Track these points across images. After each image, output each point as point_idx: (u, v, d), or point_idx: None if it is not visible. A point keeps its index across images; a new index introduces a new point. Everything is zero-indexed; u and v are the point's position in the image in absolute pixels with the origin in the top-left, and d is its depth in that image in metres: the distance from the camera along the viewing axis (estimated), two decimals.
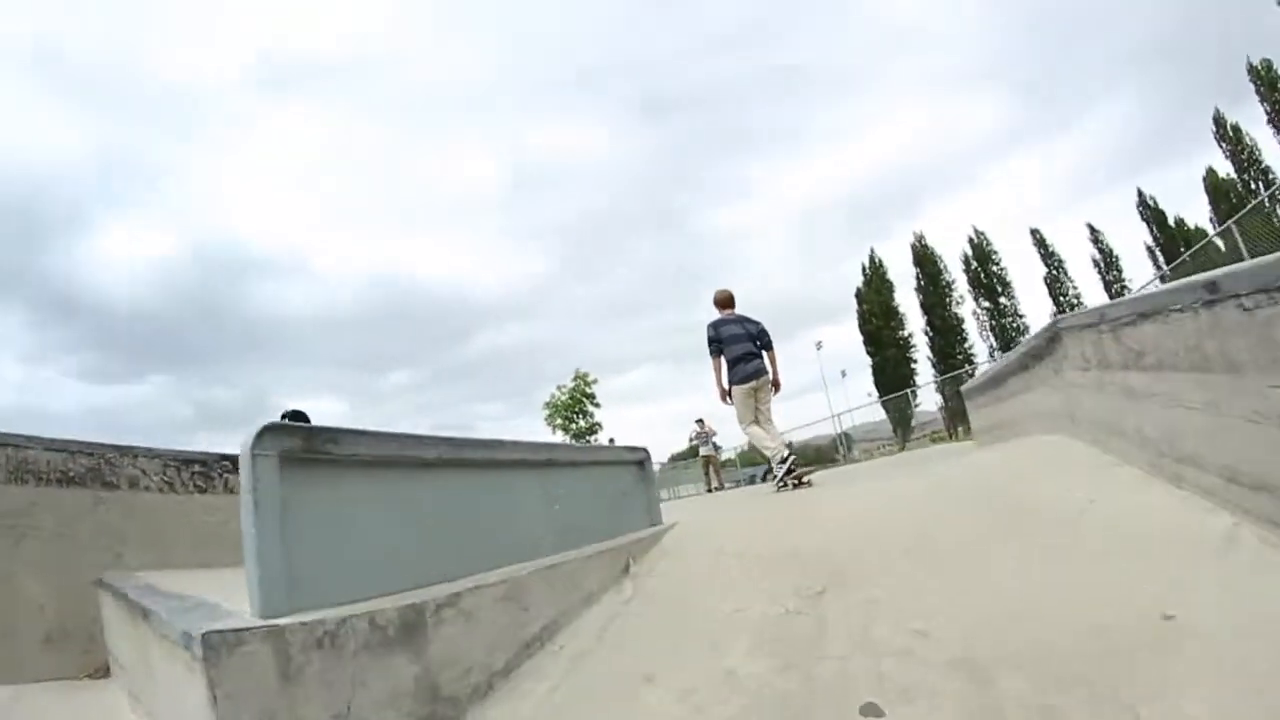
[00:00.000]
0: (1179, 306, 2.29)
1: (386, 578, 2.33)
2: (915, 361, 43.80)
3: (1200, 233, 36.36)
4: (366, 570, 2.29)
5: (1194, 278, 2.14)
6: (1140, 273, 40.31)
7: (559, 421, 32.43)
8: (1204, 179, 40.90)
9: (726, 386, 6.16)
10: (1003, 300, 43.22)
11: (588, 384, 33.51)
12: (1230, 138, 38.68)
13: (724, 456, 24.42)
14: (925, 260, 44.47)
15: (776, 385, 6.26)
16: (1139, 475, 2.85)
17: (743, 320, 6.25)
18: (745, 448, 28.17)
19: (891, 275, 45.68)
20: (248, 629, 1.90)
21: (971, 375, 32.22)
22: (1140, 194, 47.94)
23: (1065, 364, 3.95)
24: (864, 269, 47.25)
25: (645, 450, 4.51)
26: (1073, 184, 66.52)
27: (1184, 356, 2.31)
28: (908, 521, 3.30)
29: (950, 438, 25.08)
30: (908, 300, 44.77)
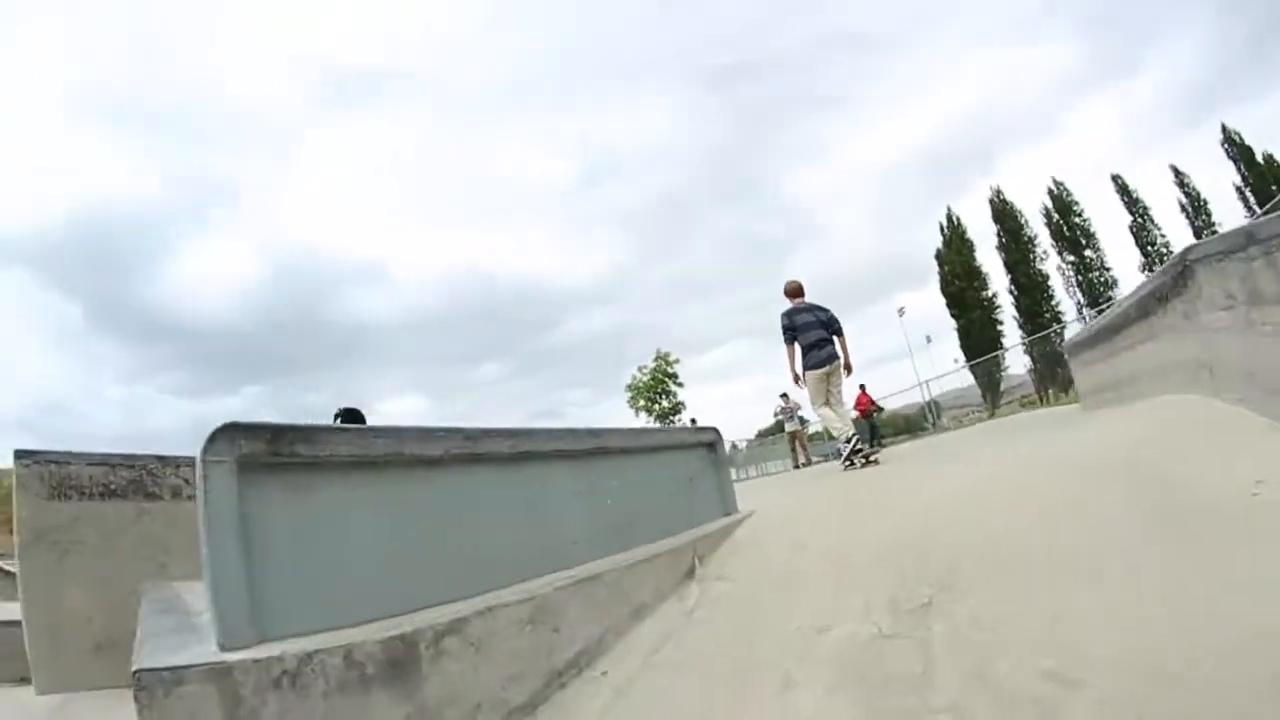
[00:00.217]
0: None
1: (376, 600, 1.91)
2: (1001, 323, 39.80)
3: None
4: (352, 592, 1.89)
5: None
6: (1230, 216, 34.89)
7: (641, 403, 30.39)
8: None
9: (801, 372, 6.20)
10: (1088, 253, 38.90)
11: (669, 364, 31.13)
12: None
13: (810, 430, 22.88)
14: (1005, 216, 40.91)
15: (848, 369, 6.25)
16: None
17: (813, 309, 6.26)
18: None
19: (971, 234, 41.44)
20: (189, 667, 1.54)
21: (1060, 334, 28.91)
22: (1224, 130, 41.46)
23: (1200, 304, 3.05)
24: (942, 229, 43.10)
25: (715, 430, 3.86)
26: (1151, 125, 59.20)
27: None
28: (1024, 511, 2.50)
29: (1041, 402, 22.50)
30: (989, 259, 40.81)
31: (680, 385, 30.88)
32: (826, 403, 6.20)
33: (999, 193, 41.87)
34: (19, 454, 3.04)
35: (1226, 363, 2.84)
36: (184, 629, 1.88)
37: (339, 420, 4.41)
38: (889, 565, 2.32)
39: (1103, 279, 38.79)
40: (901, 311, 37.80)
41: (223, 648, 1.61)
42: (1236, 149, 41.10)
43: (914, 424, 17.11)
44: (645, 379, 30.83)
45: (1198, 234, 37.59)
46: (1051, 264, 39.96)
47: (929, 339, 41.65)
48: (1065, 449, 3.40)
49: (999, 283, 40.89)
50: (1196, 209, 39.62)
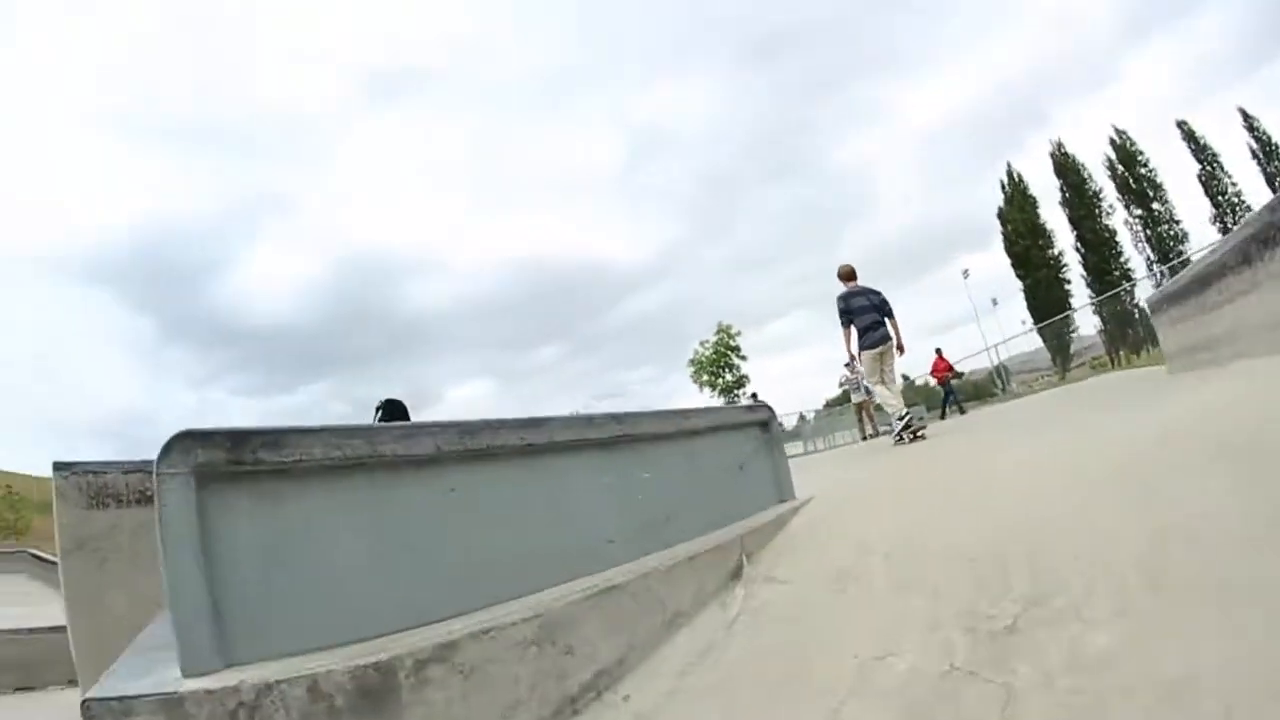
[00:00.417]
0: None
1: (359, 620, 1.68)
2: (1069, 282, 37.39)
3: None
4: (331, 612, 1.67)
5: None
6: None
7: (705, 378, 28.70)
8: None
9: (856, 352, 6.42)
10: (1156, 206, 35.66)
11: (731, 336, 29.10)
12: None
13: (877, 400, 21.23)
14: (1067, 170, 38.05)
15: (900, 349, 6.40)
16: None
17: (866, 292, 6.38)
18: (902, 389, 24.63)
19: (1033, 191, 38.85)
20: (138, 697, 1.37)
21: (1131, 292, 26.22)
22: None
23: None
24: (1003, 186, 40.41)
25: (768, 408, 3.43)
26: (1216, 66, 52.72)
27: None
28: (1124, 503, 1.96)
29: (1112, 364, 20.49)
30: (1054, 216, 38.21)
31: (743, 358, 29.17)
32: (881, 380, 6.40)
33: (1059, 146, 38.89)
34: (57, 465, 3.02)
35: None
36: (165, 648, 1.66)
37: (379, 413, 3.99)
38: (962, 571, 1.90)
39: (1172, 232, 35.44)
40: (966, 274, 35.40)
41: (185, 674, 1.43)
42: None
43: (982, 390, 15.76)
44: (708, 353, 29.09)
45: (1270, 181, 33.85)
46: (1118, 218, 37.29)
47: (995, 301, 38.95)
48: (1167, 422, 2.74)
49: (1064, 240, 38.13)
50: (1269, 154, 35.61)
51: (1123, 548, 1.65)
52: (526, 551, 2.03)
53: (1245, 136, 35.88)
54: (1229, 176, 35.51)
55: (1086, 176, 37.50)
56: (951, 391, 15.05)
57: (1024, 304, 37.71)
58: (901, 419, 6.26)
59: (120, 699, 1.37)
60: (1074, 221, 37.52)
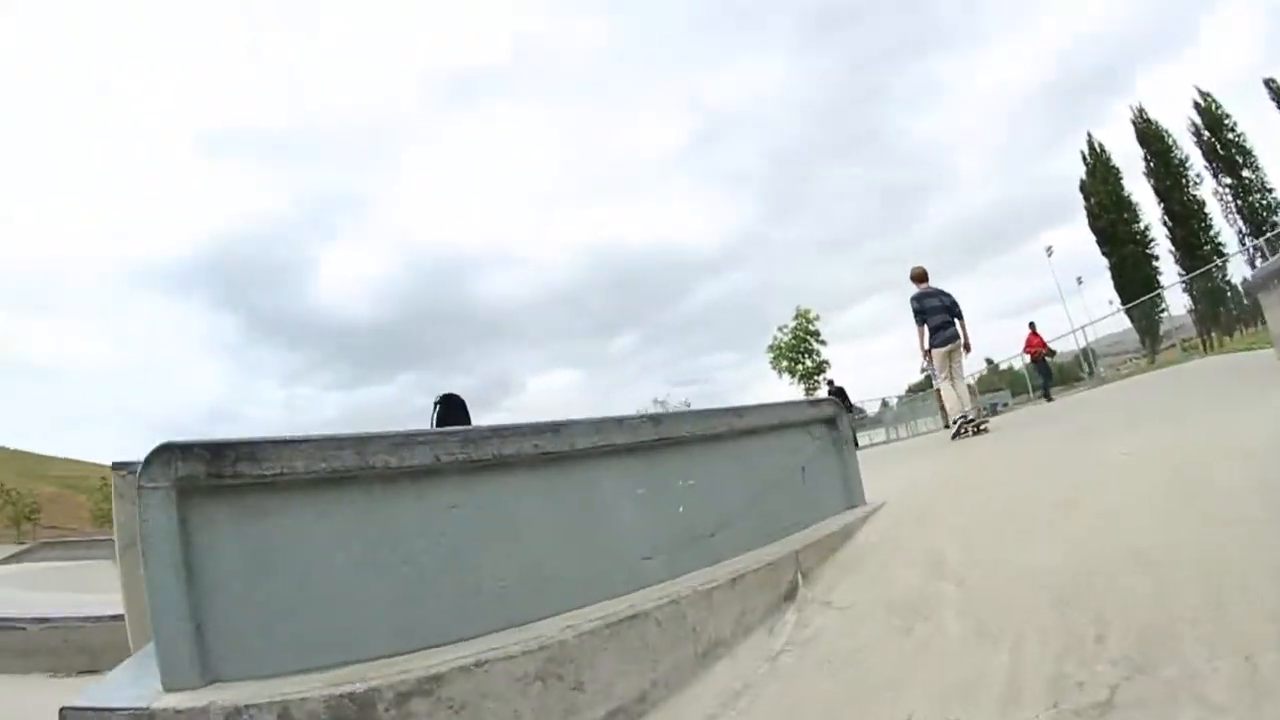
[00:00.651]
0: None
1: (346, 643, 1.55)
2: (1156, 259, 35.18)
3: None
4: (317, 632, 1.53)
5: None
6: None
7: (784, 364, 27.50)
8: None
9: (928, 348, 6.67)
10: (1246, 174, 32.00)
11: (810, 321, 27.71)
12: None
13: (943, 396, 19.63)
14: (1151, 138, 35.42)
15: (968, 347, 6.79)
16: None
17: (938, 293, 6.74)
18: (984, 372, 23.03)
19: (1116, 161, 36.44)
20: (111, 710, 1.32)
21: (1223, 268, 23.21)
22: None
23: None
24: (1084, 157, 37.76)
25: (834, 402, 3.03)
26: None
27: None
28: (1258, 533, 1.54)
29: (1203, 347, 18.22)
30: (1138, 188, 35.72)
31: (823, 343, 27.85)
32: (949, 377, 6.65)
33: (1141, 113, 36.40)
34: (115, 465, 3.05)
35: None
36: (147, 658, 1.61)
37: (436, 409, 3.70)
38: (1050, 614, 1.55)
39: (1265, 201, 31.59)
40: (1050, 251, 32.83)
41: (166, 689, 1.37)
42: None
43: (1068, 374, 14.32)
44: (786, 339, 27.83)
45: None
46: (1206, 188, 33.93)
47: (1080, 280, 35.56)
48: None
49: (1151, 213, 35.57)
50: None
51: (1261, 599, 1.25)
52: (542, 573, 1.84)
53: None
54: None
55: (1171, 144, 34.81)
56: (1048, 371, 13.66)
57: (1110, 282, 35.60)
58: (962, 416, 6.51)
59: (96, 710, 1.34)
60: (1160, 193, 34.85)
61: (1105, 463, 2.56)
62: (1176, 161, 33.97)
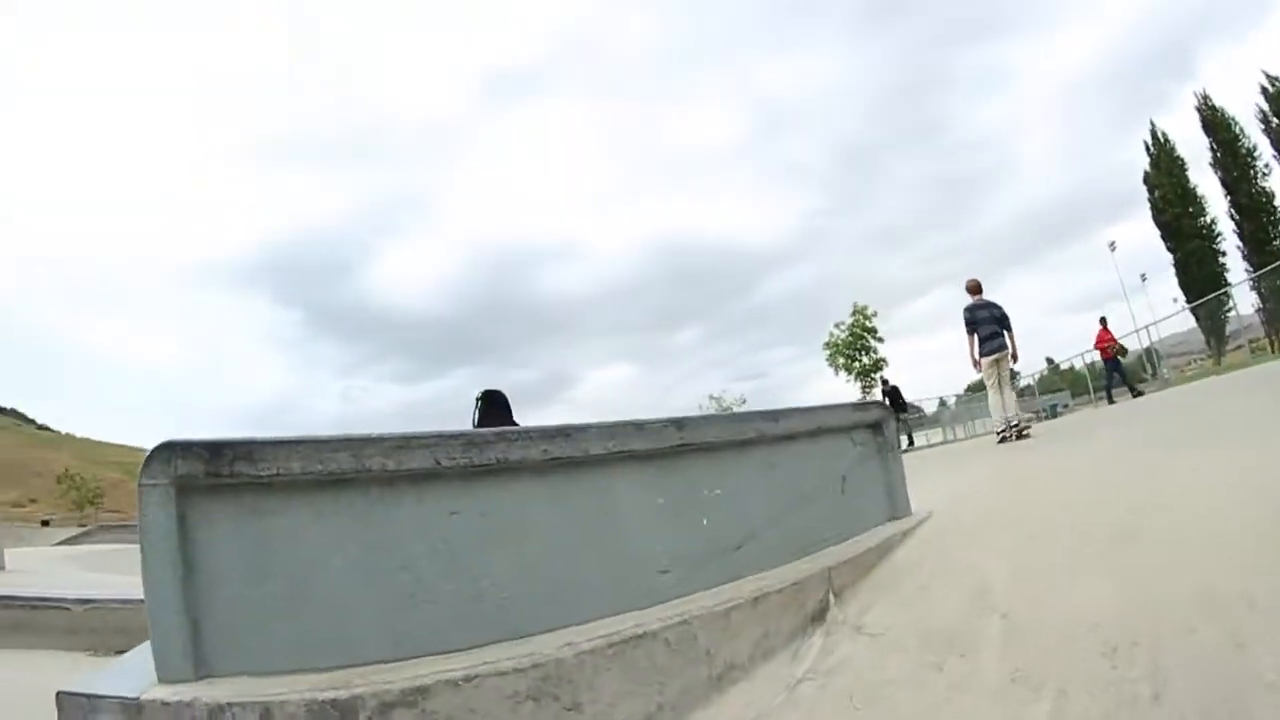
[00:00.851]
0: None
1: (336, 645, 1.56)
2: (1224, 254, 33.20)
3: None
4: (311, 633, 1.55)
5: None
6: None
7: (840, 361, 27.35)
8: None
9: (978, 357, 7.30)
10: None
11: (867, 318, 27.38)
12: None
13: (1022, 384, 18.90)
14: (1216, 126, 33.59)
15: (1014, 357, 7.44)
16: None
17: (989, 305, 7.38)
18: (1044, 372, 22.25)
19: (1181, 151, 34.63)
20: (103, 697, 1.38)
21: None
22: None
23: None
24: (1148, 148, 36.20)
25: (881, 406, 2.88)
26: None
27: None
28: None
29: (1271, 348, 17.02)
30: (1205, 179, 33.82)
31: (880, 340, 27.61)
32: (997, 384, 7.26)
33: (1206, 99, 34.89)
34: None
35: None
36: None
37: (479, 404, 3.72)
38: (1102, 662, 1.40)
39: None
40: (1113, 246, 31.64)
41: (160, 680, 1.43)
42: None
43: (1131, 375, 13.39)
44: (843, 335, 27.64)
45: None
46: (1277, 179, 30.92)
47: (1144, 277, 33.53)
48: None
49: (1218, 206, 33.67)
50: None
51: None
52: (549, 584, 1.81)
53: None
54: None
55: (1239, 132, 33.06)
56: (1119, 369, 12.81)
57: (1174, 279, 34.28)
58: (1004, 422, 7.12)
59: (88, 696, 1.40)
60: (1227, 185, 33.13)
61: (1171, 482, 2.33)
62: (1244, 151, 32.24)
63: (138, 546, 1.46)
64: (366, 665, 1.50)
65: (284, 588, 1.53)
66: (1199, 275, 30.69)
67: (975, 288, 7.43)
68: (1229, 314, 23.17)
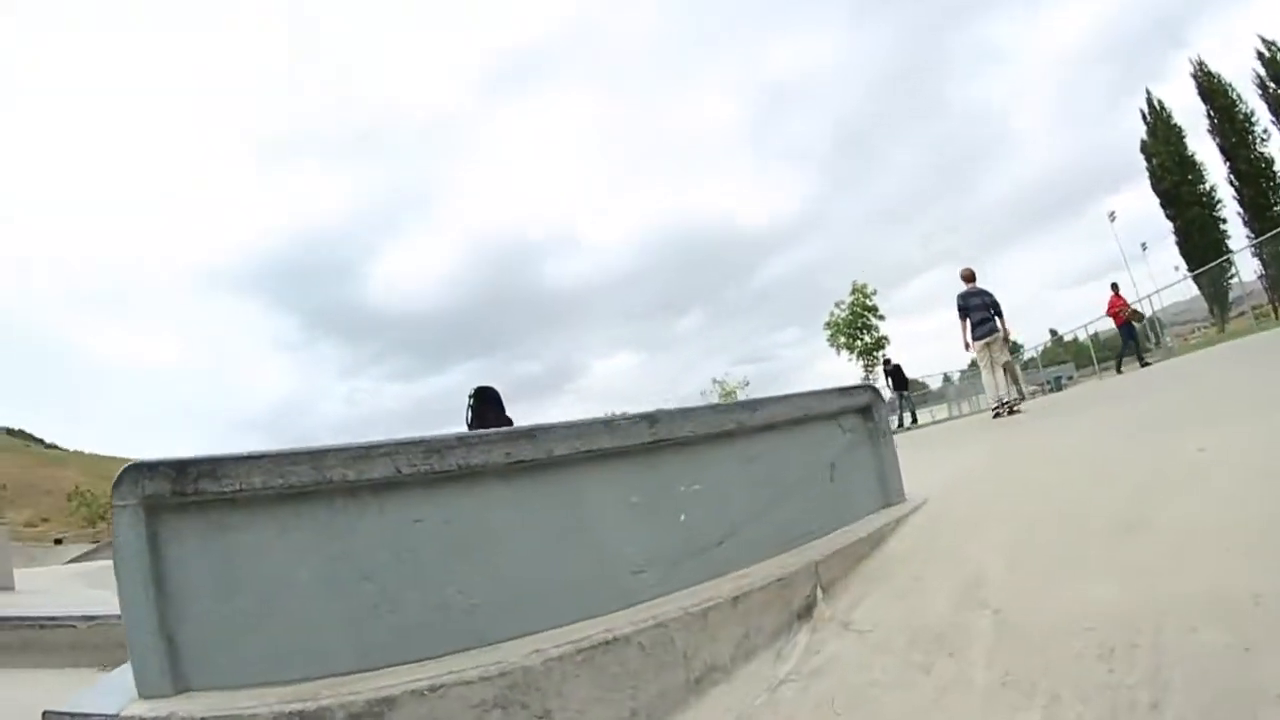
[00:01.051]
0: None
1: (307, 658, 1.61)
2: (1224, 221, 34.26)
3: None
4: (280, 646, 1.60)
5: None
6: None
7: (841, 340, 28.46)
8: None
9: (970, 340, 8.02)
10: None
11: (867, 296, 28.46)
12: None
13: (1025, 357, 18.88)
14: (1214, 93, 34.35)
15: (1007, 339, 8.09)
16: None
17: (981, 293, 8.05)
18: (1048, 345, 22.58)
19: (1178, 119, 35.83)
20: (85, 715, 1.46)
21: None
22: None
23: None
24: (1144, 116, 37.38)
25: (870, 390, 2.84)
26: None
27: None
28: None
29: (1275, 314, 17.00)
30: (1203, 147, 34.93)
31: (881, 318, 28.88)
32: (990, 366, 7.98)
33: (1201, 65, 36.22)
34: None
35: None
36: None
37: (471, 401, 3.75)
38: (1098, 666, 1.36)
39: None
40: (1113, 216, 32.07)
41: (140, 696, 1.51)
42: None
43: (1130, 349, 13.27)
44: (844, 315, 28.74)
45: None
46: (1276, 145, 32.42)
47: (1144, 246, 33.83)
48: None
49: (1217, 173, 34.66)
50: None
51: None
52: (517, 589, 1.90)
53: None
54: None
55: (1235, 98, 33.80)
56: (1133, 336, 12.67)
57: (1175, 247, 35.47)
58: (997, 400, 7.94)
59: (72, 715, 1.48)
60: (1225, 151, 33.79)
61: (1177, 464, 2.26)
62: (1241, 117, 33.07)
63: None
64: (335, 676, 1.55)
65: (252, 602, 1.60)
66: (1200, 243, 31.67)
67: (969, 276, 8.11)
68: (1231, 281, 23.58)
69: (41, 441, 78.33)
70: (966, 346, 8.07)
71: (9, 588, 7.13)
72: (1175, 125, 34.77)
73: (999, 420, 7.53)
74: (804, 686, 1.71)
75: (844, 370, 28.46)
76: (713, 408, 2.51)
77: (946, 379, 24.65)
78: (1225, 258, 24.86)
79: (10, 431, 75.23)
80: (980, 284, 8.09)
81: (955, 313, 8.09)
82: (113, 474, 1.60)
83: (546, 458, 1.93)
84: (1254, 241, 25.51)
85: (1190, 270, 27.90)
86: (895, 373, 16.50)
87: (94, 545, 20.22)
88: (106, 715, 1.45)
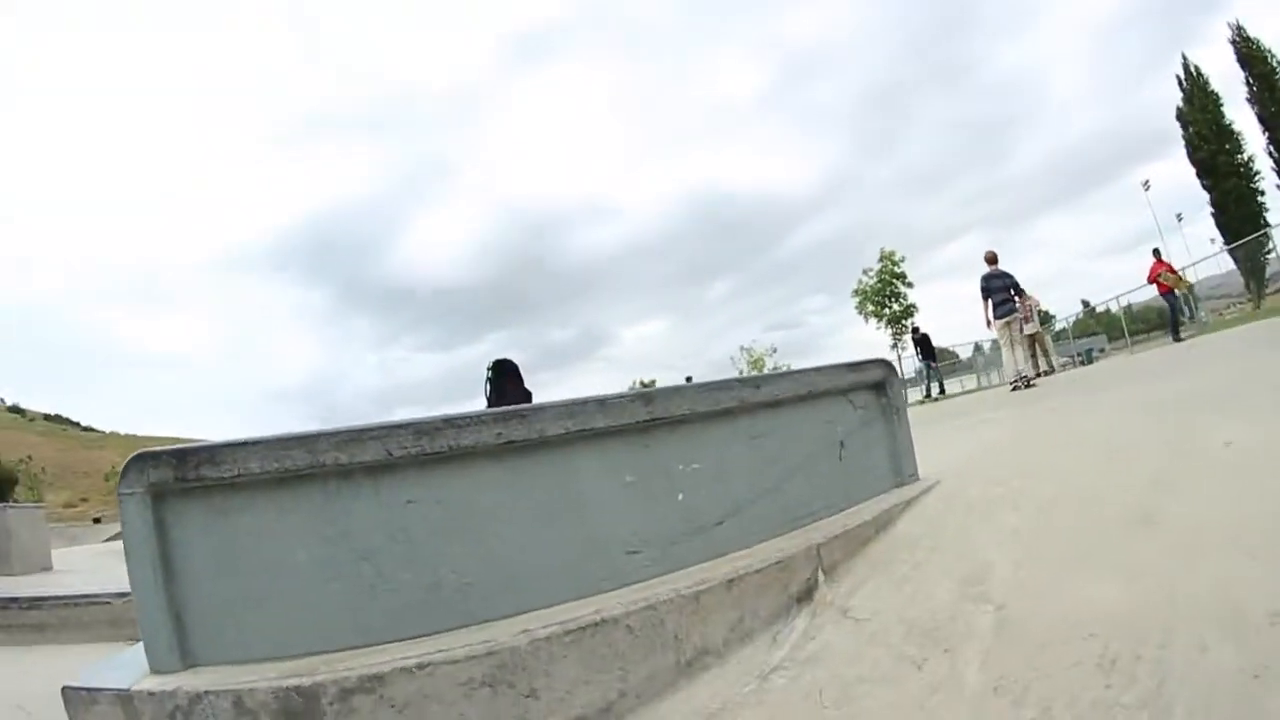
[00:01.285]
0: None
1: (303, 635, 1.70)
2: (1263, 193, 32.82)
3: None
4: (280, 624, 1.71)
5: None
6: None
7: (870, 308, 28.69)
8: None
9: (992, 319, 9.00)
10: None
11: (895, 263, 28.61)
12: None
13: (1056, 327, 18.59)
14: (1252, 59, 32.80)
15: (1028, 318, 9.62)
16: None
17: (1002, 275, 8.93)
18: (1080, 316, 22.24)
19: (1215, 85, 34.25)
20: (100, 690, 1.58)
21: None
22: None
23: None
24: (1180, 83, 35.77)
25: (884, 364, 2.76)
26: None
27: None
28: None
29: None
30: (1242, 115, 33.54)
31: (909, 286, 29.09)
32: (1009, 344, 8.91)
33: (1240, 30, 35.24)
34: None
35: None
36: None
37: (489, 374, 3.81)
38: (1096, 676, 1.33)
39: None
40: (1147, 186, 30.28)
41: (151, 671, 1.64)
42: None
43: (1168, 318, 12.82)
44: (872, 282, 28.87)
45: None
46: None
47: (1180, 218, 32.40)
48: None
49: (1256, 143, 33.30)
50: None
51: None
52: (509, 569, 1.98)
53: None
54: None
55: (1275, 65, 32.66)
56: (1175, 307, 12.36)
57: (1211, 219, 34.27)
58: (1017, 375, 8.80)
59: (89, 689, 1.60)
60: (1264, 120, 32.57)
61: (1199, 456, 2.19)
62: None
63: None
64: (332, 653, 1.68)
65: (253, 581, 1.73)
66: (1237, 215, 30.84)
67: (992, 258, 9.06)
68: (1269, 255, 23.14)
69: (79, 425, 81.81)
70: (988, 324, 9.14)
71: (48, 567, 7.53)
72: (1212, 92, 33.49)
73: (1022, 394, 7.81)
74: (794, 676, 1.73)
75: (873, 338, 29.19)
76: (712, 384, 2.46)
77: (977, 348, 24.38)
78: (1263, 231, 24.44)
79: (49, 417, 78.62)
80: (1001, 266, 9.03)
81: (982, 284, 9.07)
82: None
83: (539, 438, 1.99)
84: None
85: (1226, 243, 27.60)
86: (923, 342, 16.50)
87: None
88: (119, 689, 1.60)
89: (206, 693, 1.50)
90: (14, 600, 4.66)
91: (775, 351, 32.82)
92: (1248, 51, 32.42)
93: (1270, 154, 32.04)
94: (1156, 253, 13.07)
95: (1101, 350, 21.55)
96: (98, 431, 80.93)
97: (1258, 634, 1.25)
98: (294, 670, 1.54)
